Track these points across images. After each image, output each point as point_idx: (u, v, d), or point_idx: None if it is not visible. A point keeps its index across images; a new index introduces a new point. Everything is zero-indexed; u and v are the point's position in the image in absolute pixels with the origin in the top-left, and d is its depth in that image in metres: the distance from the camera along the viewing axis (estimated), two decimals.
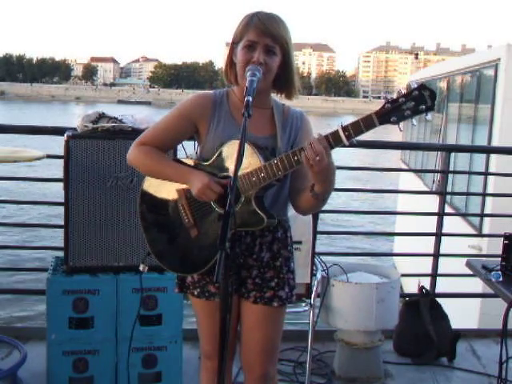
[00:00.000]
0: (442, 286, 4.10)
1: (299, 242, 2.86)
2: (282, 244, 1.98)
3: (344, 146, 1.69)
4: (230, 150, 1.83)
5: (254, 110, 1.71)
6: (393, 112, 1.64)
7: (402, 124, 1.65)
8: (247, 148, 1.77)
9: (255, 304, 1.97)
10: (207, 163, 1.89)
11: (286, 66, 1.90)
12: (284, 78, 1.93)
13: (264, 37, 1.82)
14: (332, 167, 1.73)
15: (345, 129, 1.67)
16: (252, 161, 1.79)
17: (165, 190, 1.96)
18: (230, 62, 1.94)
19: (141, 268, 2.20)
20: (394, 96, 1.65)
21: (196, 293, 1.99)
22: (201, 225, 1.90)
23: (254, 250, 1.93)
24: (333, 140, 1.69)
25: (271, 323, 2.01)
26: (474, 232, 6.87)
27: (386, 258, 10.71)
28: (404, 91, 1.64)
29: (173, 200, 1.95)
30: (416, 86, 1.62)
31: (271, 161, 1.77)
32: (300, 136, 1.96)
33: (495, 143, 6.94)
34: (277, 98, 2.02)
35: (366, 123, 1.65)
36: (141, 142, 1.96)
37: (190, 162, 1.94)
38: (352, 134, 1.67)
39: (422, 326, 3.47)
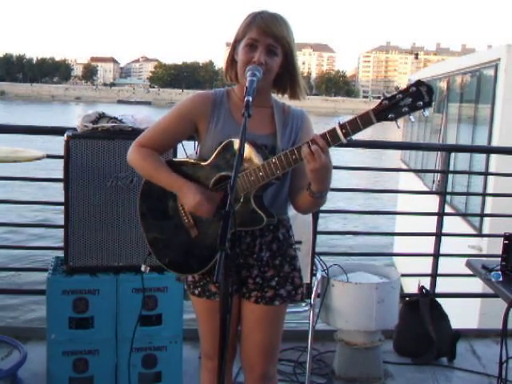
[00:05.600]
0: (442, 286, 4.10)
1: (299, 242, 2.85)
2: (286, 243, 1.98)
3: (342, 143, 1.69)
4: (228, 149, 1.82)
5: (253, 109, 1.70)
6: (390, 109, 1.63)
7: (400, 121, 1.64)
8: (245, 147, 1.77)
9: (256, 304, 1.97)
10: (206, 163, 1.88)
11: (289, 67, 1.90)
12: (288, 78, 1.93)
13: (266, 36, 1.82)
14: (329, 166, 1.72)
15: (342, 126, 1.67)
16: (250, 160, 1.79)
17: (165, 190, 1.95)
18: (231, 60, 1.94)
19: (143, 268, 2.20)
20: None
21: (197, 292, 1.99)
22: (201, 225, 1.91)
23: (255, 249, 1.93)
24: (330, 138, 1.68)
25: (272, 323, 2.00)
26: (474, 232, 6.87)
27: (385, 257, 10.69)
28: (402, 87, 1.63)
29: (173, 200, 1.95)
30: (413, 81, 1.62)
31: (269, 159, 1.77)
32: (301, 135, 1.95)
33: (495, 143, 6.94)
34: (277, 97, 2.02)
35: (364, 120, 1.65)
36: (140, 142, 1.96)
37: (190, 162, 1.94)
38: (350, 132, 1.66)
39: (421, 326, 3.46)
